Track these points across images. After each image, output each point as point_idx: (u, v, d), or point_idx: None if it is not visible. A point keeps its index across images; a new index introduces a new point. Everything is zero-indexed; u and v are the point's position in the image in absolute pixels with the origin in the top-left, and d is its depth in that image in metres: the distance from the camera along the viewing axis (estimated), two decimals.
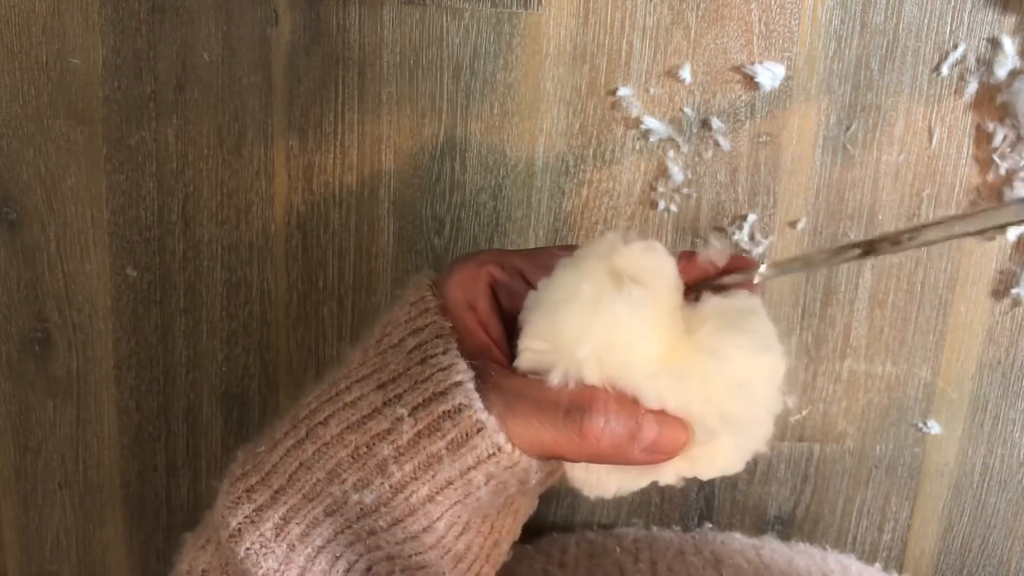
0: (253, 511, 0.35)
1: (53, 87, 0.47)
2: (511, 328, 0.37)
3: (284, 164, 0.48)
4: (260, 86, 0.47)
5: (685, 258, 0.36)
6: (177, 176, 0.48)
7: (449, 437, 0.33)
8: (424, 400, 0.34)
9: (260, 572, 0.34)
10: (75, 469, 0.53)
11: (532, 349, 0.34)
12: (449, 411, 0.33)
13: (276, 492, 0.35)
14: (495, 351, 0.36)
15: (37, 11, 0.46)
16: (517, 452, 0.33)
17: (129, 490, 0.53)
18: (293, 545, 0.35)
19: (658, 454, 0.34)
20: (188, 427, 0.52)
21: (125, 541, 0.54)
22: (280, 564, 0.34)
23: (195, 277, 0.49)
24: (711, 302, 0.35)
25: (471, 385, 0.33)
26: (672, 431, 0.33)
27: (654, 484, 0.36)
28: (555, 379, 0.33)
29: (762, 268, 0.34)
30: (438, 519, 0.34)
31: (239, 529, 0.35)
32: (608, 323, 0.33)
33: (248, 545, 0.34)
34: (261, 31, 0.46)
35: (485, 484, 0.34)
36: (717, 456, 0.35)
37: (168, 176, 0.48)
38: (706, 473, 0.35)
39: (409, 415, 0.33)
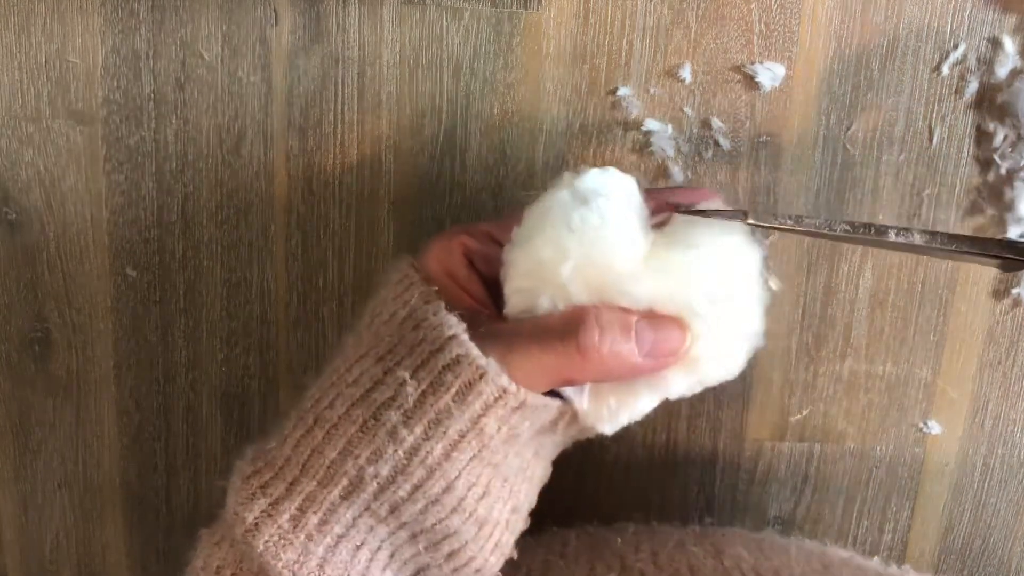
0: (269, 505, 0.35)
1: (53, 87, 0.47)
2: (493, 293, 0.38)
3: (284, 164, 0.48)
4: (260, 86, 0.47)
5: (645, 192, 0.37)
6: (177, 176, 0.48)
7: (453, 390, 0.33)
8: (423, 360, 0.34)
9: (280, 564, 0.34)
10: (75, 469, 0.53)
11: (518, 290, 0.35)
12: (448, 364, 0.34)
13: (291, 484, 0.35)
14: (482, 311, 0.37)
15: (37, 11, 0.46)
16: (522, 390, 0.34)
17: (129, 490, 0.53)
18: (311, 535, 0.35)
19: (661, 356, 0.35)
20: (188, 427, 0.52)
21: (125, 541, 0.54)
22: (300, 555, 0.34)
23: (195, 277, 0.49)
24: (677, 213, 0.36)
25: (465, 336, 0.34)
26: (668, 328, 0.34)
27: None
28: (544, 306, 0.34)
29: (750, 219, 0.35)
30: (456, 478, 0.34)
31: (256, 523, 0.35)
32: (583, 237, 0.34)
33: (266, 538, 0.34)
34: (261, 31, 0.46)
35: (497, 431, 0.34)
36: (716, 351, 0.36)
37: (168, 176, 0.48)
38: (711, 375, 0.36)
39: (411, 377, 0.34)
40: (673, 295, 0.34)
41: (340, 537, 0.35)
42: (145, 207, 0.48)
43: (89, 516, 0.53)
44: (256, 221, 0.49)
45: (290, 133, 0.47)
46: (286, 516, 0.35)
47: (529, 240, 0.35)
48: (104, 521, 0.54)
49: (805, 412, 0.51)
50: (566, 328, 0.34)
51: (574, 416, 0.37)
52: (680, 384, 0.36)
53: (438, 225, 0.49)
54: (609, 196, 0.35)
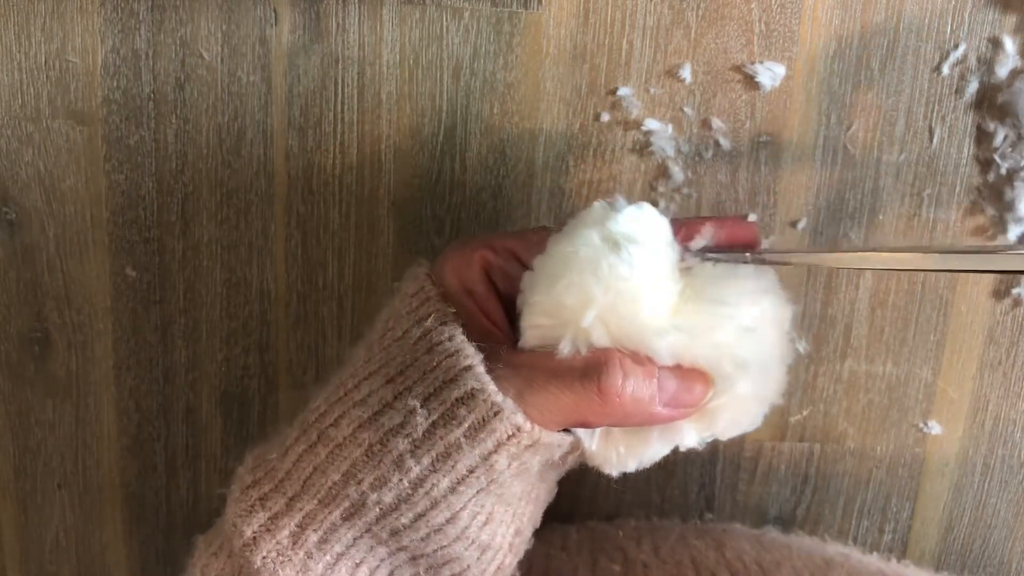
0: (268, 519, 0.34)
1: (52, 87, 0.47)
2: (510, 311, 0.36)
3: (284, 164, 0.48)
4: (260, 85, 0.47)
5: (679, 224, 0.36)
6: (176, 176, 0.48)
7: (466, 424, 0.32)
8: (435, 389, 0.33)
9: None
10: (74, 469, 0.52)
11: (536, 326, 0.34)
12: (462, 397, 0.33)
13: (291, 499, 0.34)
14: (498, 335, 0.36)
15: (37, 11, 0.46)
16: (537, 429, 0.33)
17: (128, 490, 0.53)
18: (311, 553, 0.34)
19: (680, 407, 0.33)
20: (188, 427, 0.52)
21: (125, 541, 0.54)
22: (297, 572, 0.34)
23: (195, 277, 0.49)
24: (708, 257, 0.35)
25: (481, 368, 0.33)
26: (691, 380, 0.33)
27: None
28: (565, 350, 0.33)
29: (765, 248, 0.34)
30: (461, 509, 0.34)
31: (254, 538, 0.34)
32: (610, 287, 0.33)
33: (264, 554, 0.34)
34: (261, 30, 0.46)
35: (507, 467, 0.33)
36: (736, 409, 0.35)
37: (167, 176, 0.48)
38: (727, 431, 0.35)
39: (422, 406, 0.33)
40: (697, 355, 0.33)
41: (340, 556, 0.35)
42: (145, 207, 0.48)
43: (89, 516, 0.53)
44: (256, 221, 0.49)
45: (290, 133, 0.47)
46: (285, 532, 0.34)
47: (553, 281, 0.34)
48: (104, 521, 0.54)
49: (805, 412, 0.51)
50: (587, 369, 0.33)
51: (582, 451, 0.36)
52: (693, 436, 0.35)
53: (438, 225, 0.49)
54: (641, 243, 0.33)
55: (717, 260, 0.34)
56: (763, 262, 0.34)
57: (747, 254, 0.34)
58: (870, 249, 0.34)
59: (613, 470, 0.36)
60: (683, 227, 0.36)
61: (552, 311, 0.34)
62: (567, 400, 0.33)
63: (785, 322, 0.35)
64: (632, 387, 0.32)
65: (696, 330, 0.33)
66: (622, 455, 0.36)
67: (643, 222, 0.34)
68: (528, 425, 0.33)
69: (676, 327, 0.33)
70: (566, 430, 0.35)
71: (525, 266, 0.36)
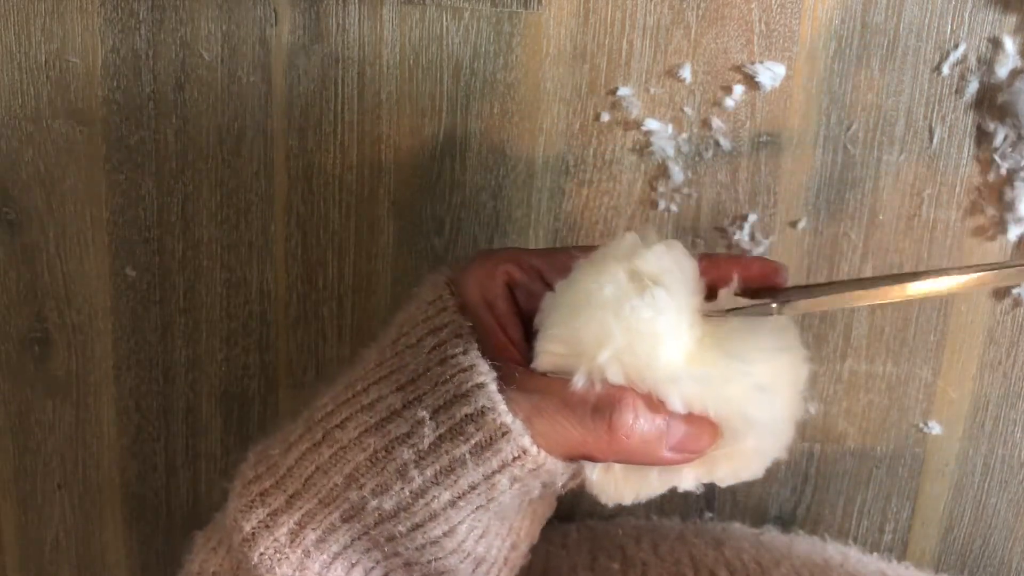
0: (267, 516, 0.34)
1: (52, 87, 0.47)
2: (528, 328, 0.36)
3: (284, 164, 0.48)
4: (260, 85, 0.47)
5: (706, 259, 0.35)
6: (177, 176, 0.48)
7: (473, 441, 0.32)
8: (445, 402, 0.33)
9: None
10: (74, 469, 0.52)
11: (550, 352, 0.34)
12: (472, 414, 0.32)
13: (291, 497, 0.34)
14: (513, 351, 0.35)
15: (37, 11, 0.46)
16: (543, 454, 0.33)
17: (129, 490, 0.53)
18: (308, 551, 0.34)
19: (686, 453, 0.33)
20: (188, 427, 0.52)
21: (125, 541, 0.54)
22: (295, 570, 0.34)
23: (195, 277, 0.49)
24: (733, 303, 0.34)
25: (494, 387, 0.33)
26: (700, 429, 0.33)
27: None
28: (579, 383, 0.33)
29: (774, 305, 0.34)
30: (459, 523, 0.34)
31: (253, 534, 0.34)
32: (629, 328, 0.32)
33: (262, 550, 0.34)
34: (261, 31, 0.46)
35: (509, 488, 0.33)
36: (739, 461, 0.35)
37: (167, 176, 0.48)
38: (726, 479, 0.35)
39: (430, 418, 0.33)
40: (708, 406, 0.33)
41: (336, 555, 0.35)
42: (145, 207, 0.48)
43: (89, 516, 0.53)
44: (256, 221, 0.49)
45: (290, 133, 0.47)
46: (284, 530, 0.34)
47: (573, 312, 0.33)
48: (104, 521, 0.54)
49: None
50: (599, 405, 0.32)
51: (583, 479, 0.36)
52: (692, 480, 0.35)
53: (438, 225, 0.49)
54: (666, 287, 0.33)
55: (741, 312, 0.34)
56: (788, 306, 0.33)
57: (772, 304, 0.33)
58: (894, 278, 0.33)
59: (610, 501, 0.36)
60: (710, 265, 0.35)
61: (569, 341, 0.33)
62: (575, 432, 0.32)
63: (800, 382, 0.35)
64: (641, 428, 0.32)
65: (710, 381, 0.33)
66: (620, 489, 0.35)
67: (671, 263, 0.34)
68: (534, 449, 0.32)
69: (691, 376, 0.33)
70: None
71: (549, 286, 0.36)
